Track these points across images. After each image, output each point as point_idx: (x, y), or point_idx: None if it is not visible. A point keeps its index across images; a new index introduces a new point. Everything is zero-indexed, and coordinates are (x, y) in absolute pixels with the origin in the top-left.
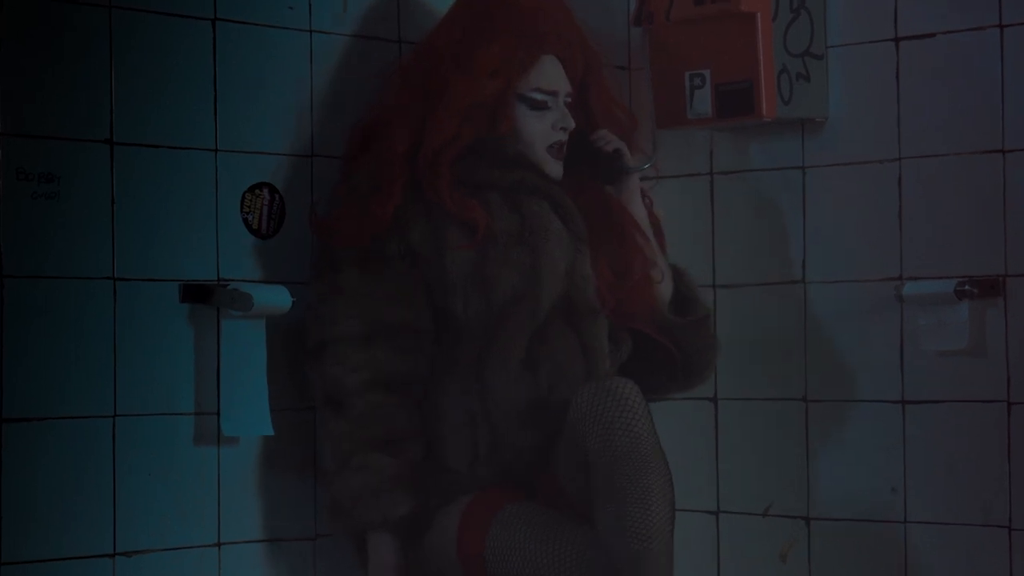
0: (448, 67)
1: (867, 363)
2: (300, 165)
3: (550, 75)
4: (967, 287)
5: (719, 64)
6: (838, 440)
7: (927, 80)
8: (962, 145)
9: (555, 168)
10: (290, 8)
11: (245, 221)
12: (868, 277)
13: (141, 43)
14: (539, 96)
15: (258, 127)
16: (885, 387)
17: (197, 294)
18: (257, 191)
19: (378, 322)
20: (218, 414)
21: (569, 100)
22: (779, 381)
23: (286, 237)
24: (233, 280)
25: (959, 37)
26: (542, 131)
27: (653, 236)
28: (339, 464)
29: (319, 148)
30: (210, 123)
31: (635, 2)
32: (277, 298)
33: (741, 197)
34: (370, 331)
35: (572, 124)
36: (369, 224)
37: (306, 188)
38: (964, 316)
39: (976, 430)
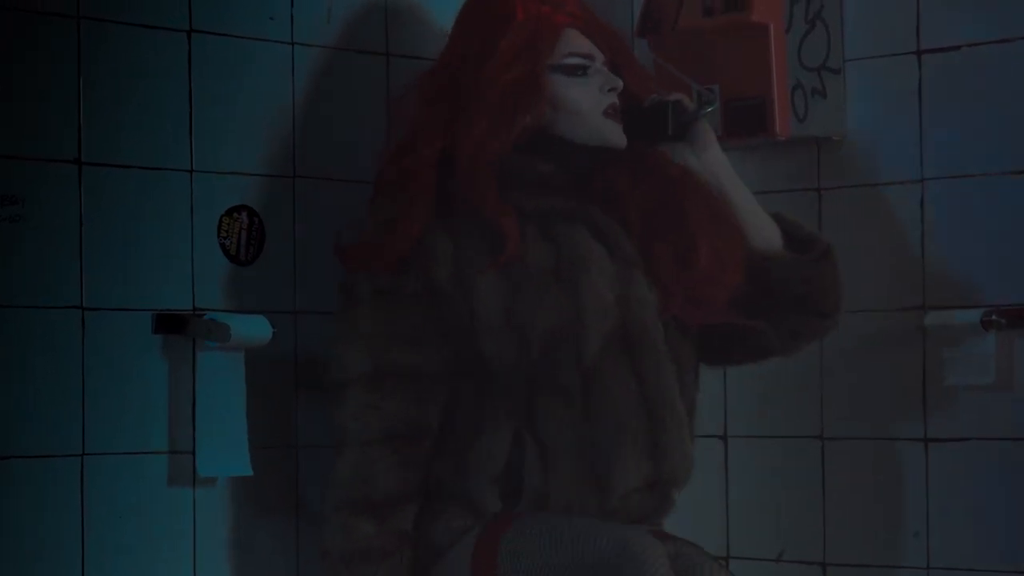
0: (471, 67)
1: (887, 399)
2: (281, 187)
3: (578, 42)
4: (994, 318)
5: (729, 79)
6: (856, 481)
7: (952, 96)
8: (989, 165)
9: (616, 133)
10: (271, 18)
11: (222, 246)
12: (888, 307)
13: (111, 56)
14: (575, 60)
15: (236, 146)
16: (906, 424)
17: (171, 324)
18: (235, 214)
19: (390, 365)
20: (193, 453)
21: (605, 68)
22: (793, 418)
23: (266, 263)
24: (209, 309)
25: (986, 49)
26: (590, 96)
27: (736, 189)
28: (328, 513)
29: (301, 169)
30: (185, 142)
31: (639, 12)
32: (256, 329)
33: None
34: (380, 375)
35: (620, 83)
36: (389, 252)
37: (287, 211)
38: (991, 349)
39: (1004, 470)
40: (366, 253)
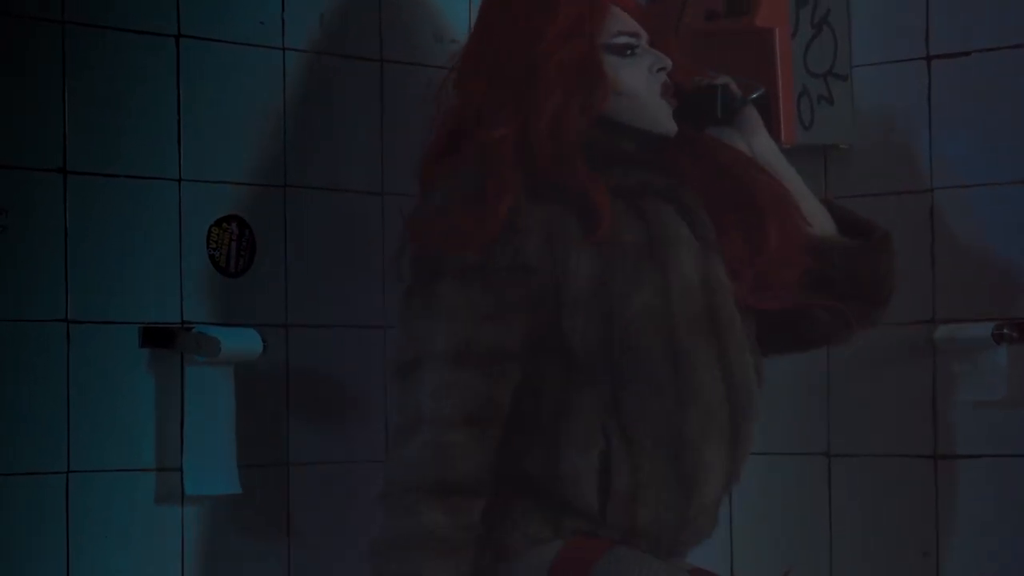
0: (523, 42)
1: (896, 414)
2: (272, 196)
3: (625, 20)
4: (1006, 331)
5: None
6: (864, 498)
7: (962, 103)
8: (1000, 174)
9: (670, 120)
10: (261, 23)
11: (211, 258)
12: (897, 320)
13: (97, 62)
14: (624, 40)
15: (226, 154)
16: (916, 441)
17: (159, 338)
18: (225, 225)
19: (474, 343)
20: (181, 470)
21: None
22: (799, 433)
23: (256, 275)
24: (198, 323)
25: (997, 55)
26: (642, 77)
27: (791, 169)
28: (392, 494)
29: (293, 178)
30: (173, 150)
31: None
32: (246, 343)
33: None
34: (464, 352)
35: (668, 62)
36: (480, 228)
37: (278, 221)
38: (1003, 363)
39: (1016, 487)
40: (454, 233)
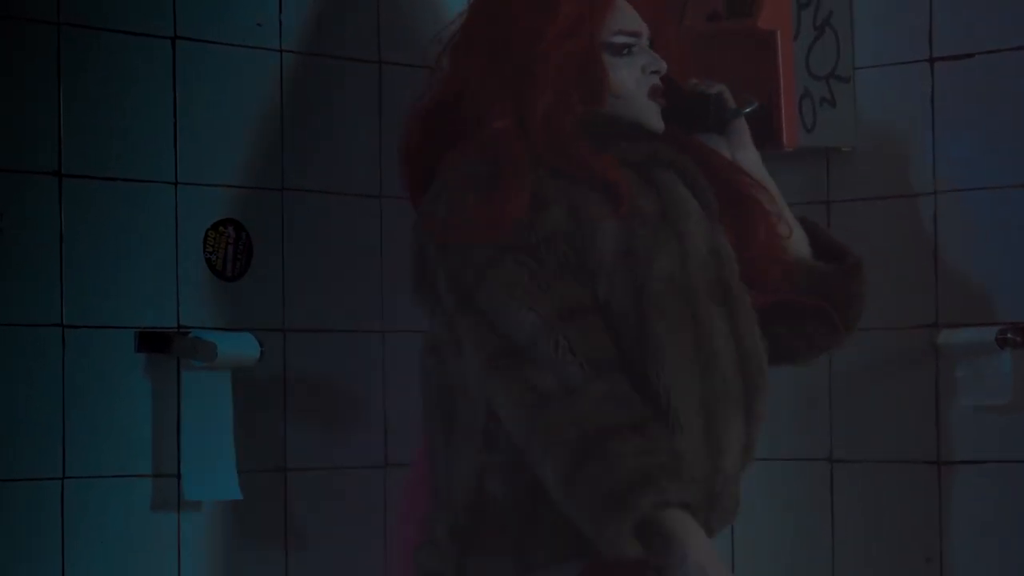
0: (523, 32)
1: (899, 419)
2: (269, 199)
3: (628, 16)
4: (1010, 335)
5: (734, 87)
6: (866, 505)
7: (966, 105)
8: (1005, 177)
9: (657, 118)
10: (258, 25)
11: (208, 261)
12: (900, 324)
13: (93, 64)
14: (623, 39)
15: (222, 157)
16: (919, 446)
17: (155, 343)
18: (221, 228)
19: (564, 302)
20: (179, 476)
21: (649, 44)
22: (801, 439)
23: (253, 279)
24: (195, 327)
25: (1001, 57)
26: (635, 78)
27: (773, 183)
28: (584, 453)
29: (290, 180)
30: (169, 153)
31: None
32: (244, 347)
33: None
34: (562, 315)
35: (664, 66)
36: (507, 212)
37: (276, 225)
38: (1006, 367)
39: (1020, 493)
40: (480, 221)
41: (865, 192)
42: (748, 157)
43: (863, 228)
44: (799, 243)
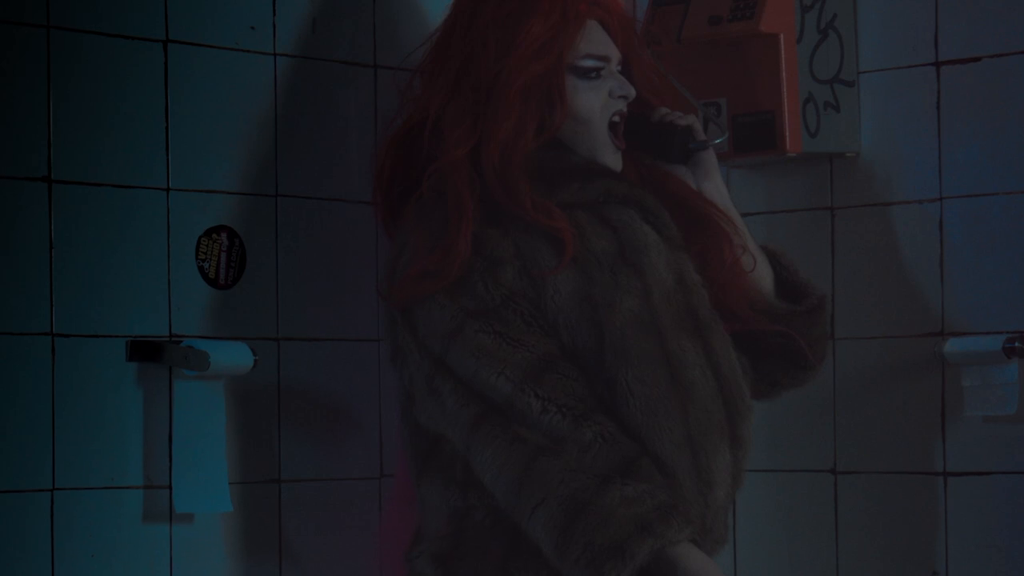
0: (490, 52)
1: (904, 430)
2: (263, 206)
3: (599, 39)
4: (1017, 344)
5: (736, 92)
6: (871, 517)
7: (972, 109)
8: (1012, 183)
9: (614, 158)
10: (252, 28)
11: (200, 269)
12: (905, 333)
13: (83, 68)
14: (591, 63)
15: (215, 163)
16: (924, 457)
17: (146, 352)
18: (214, 235)
19: (534, 360)
20: (170, 488)
21: (619, 69)
22: (804, 450)
23: (247, 287)
24: (187, 336)
25: (1008, 61)
26: (599, 103)
27: (739, 216)
28: (577, 508)
29: (284, 187)
30: (161, 158)
31: (641, 21)
32: (237, 357)
33: (762, 242)
34: (533, 372)
35: (632, 92)
36: (447, 266)
37: (270, 232)
38: (1013, 377)
39: None
40: (422, 277)
41: (870, 198)
42: (714, 188)
43: (867, 235)
44: (763, 277)
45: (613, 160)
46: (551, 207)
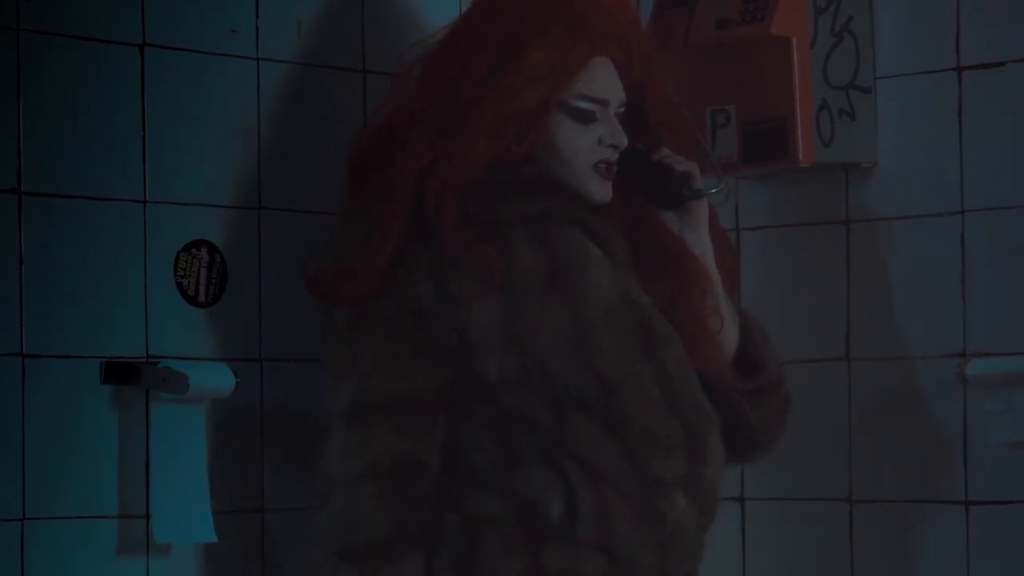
0: (480, 72)
1: (923, 456)
2: (245, 220)
3: (601, 81)
4: None
5: (746, 98)
6: (888, 548)
7: (996, 117)
8: None
9: (601, 189)
10: (233, 31)
11: (179, 286)
12: (924, 354)
13: (55, 73)
14: (585, 105)
15: (195, 174)
16: (945, 485)
17: (122, 373)
18: (194, 251)
19: (372, 395)
20: (147, 517)
21: (621, 111)
22: (819, 478)
23: (228, 305)
24: (165, 357)
25: None
26: (586, 147)
27: (718, 274)
28: (316, 566)
29: (268, 199)
30: (137, 169)
31: (647, 24)
32: (218, 378)
33: (772, 257)
34: (362, 406)
35: (624, 141)
36: (364, 274)
37: (252, 247)
38: None
39: None
40: (339, 279)
41: (887, 211)
42: (698, 240)
43: (885, 250)
44: (728, 342)
45: (600, 190)
46: (476, 244)
